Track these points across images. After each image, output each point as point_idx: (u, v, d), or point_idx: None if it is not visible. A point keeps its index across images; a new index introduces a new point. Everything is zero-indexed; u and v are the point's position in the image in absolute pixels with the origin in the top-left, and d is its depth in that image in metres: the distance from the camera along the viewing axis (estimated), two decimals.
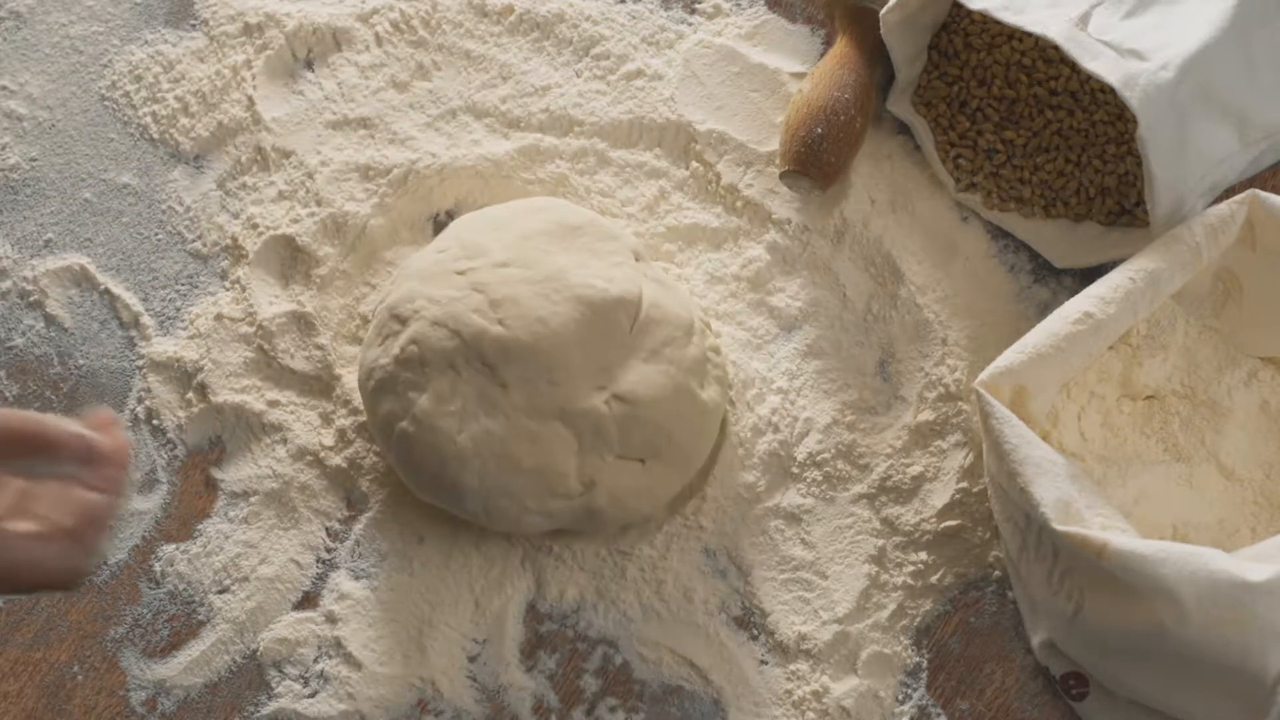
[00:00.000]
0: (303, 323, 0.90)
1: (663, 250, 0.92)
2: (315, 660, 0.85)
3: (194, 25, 0.96)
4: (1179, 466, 0.86)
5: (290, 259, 0.92)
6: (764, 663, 0.85)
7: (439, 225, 0.93)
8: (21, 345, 0.91)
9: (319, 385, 0.90)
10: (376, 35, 0.96)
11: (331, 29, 0.96)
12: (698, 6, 0.97)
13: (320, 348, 0.90)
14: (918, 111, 0.93)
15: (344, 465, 0.88)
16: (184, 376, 0.90)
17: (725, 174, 0.93)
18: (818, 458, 0.88)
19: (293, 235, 0.91)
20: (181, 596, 0.86)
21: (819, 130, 0.89)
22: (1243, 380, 0.87)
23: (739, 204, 0.93)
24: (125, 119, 0.95)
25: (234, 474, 0.88)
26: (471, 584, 0.86)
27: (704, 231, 0.93)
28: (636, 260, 0.87)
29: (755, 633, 0.85)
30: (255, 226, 0.92)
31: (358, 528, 0.87)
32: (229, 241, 0.92)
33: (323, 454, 0.88)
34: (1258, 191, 0.84)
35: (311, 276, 0.91)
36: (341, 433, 0.88)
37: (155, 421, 0.89)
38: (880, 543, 0.86)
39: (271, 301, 0.91)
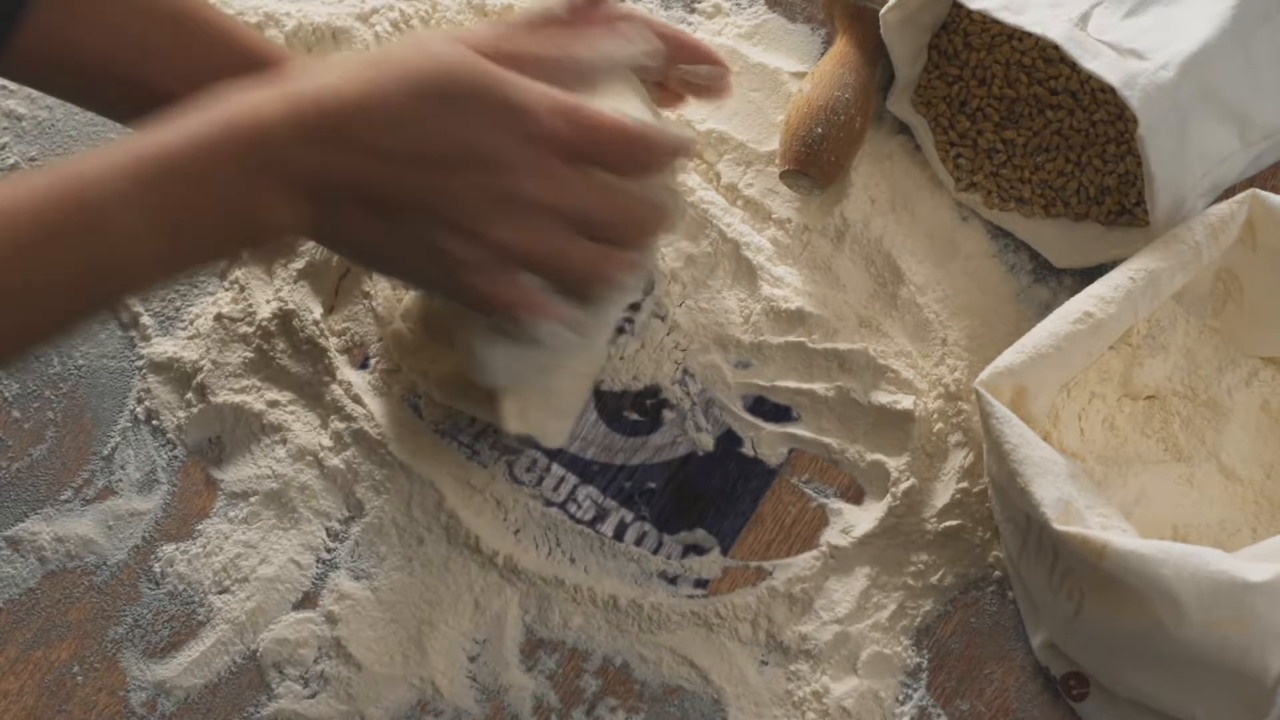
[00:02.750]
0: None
1: None
2: (315, 661, 0.85)
3: None
4: (1179, 466, 0.86)
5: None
6: (764, 663, 0.85)
7: None
8: None
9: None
10: (376, 35, 0.96)
11: (331, 29, 0.95)
12: (697, 6, 0.97)
13: (319, 346, 0.90)
14: (918, 111, 0.93)
15: (343, 466, 0.88)
16: (184, 377, 0.90)
17: (725, 173, 0.93)
18: None
19: None
20: (181, 597, 0.86)
21: (819, 130, 0.89)
22: (1243, 380, 0.87)
23: (739, 203, 0.93)
24: None
25: (234, 474, 0.88)
26: (471, 584, 0.86)
27: None
28: None
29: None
30: None
31: (357, 529, 0.87)
32: None
33: (322, 454, 0.88)
34: (1258, 191, 0.84)
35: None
36: (338, 435, 0.88)
37: (155, 422, 0.89)
38: (880, 542, 0.86)
39: (270, 301, 0.90)
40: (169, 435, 0.89)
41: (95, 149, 0.69)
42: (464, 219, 0.72)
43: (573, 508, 0.88)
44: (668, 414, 0.89)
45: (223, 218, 0.70)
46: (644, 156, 0.75)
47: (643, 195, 0.76)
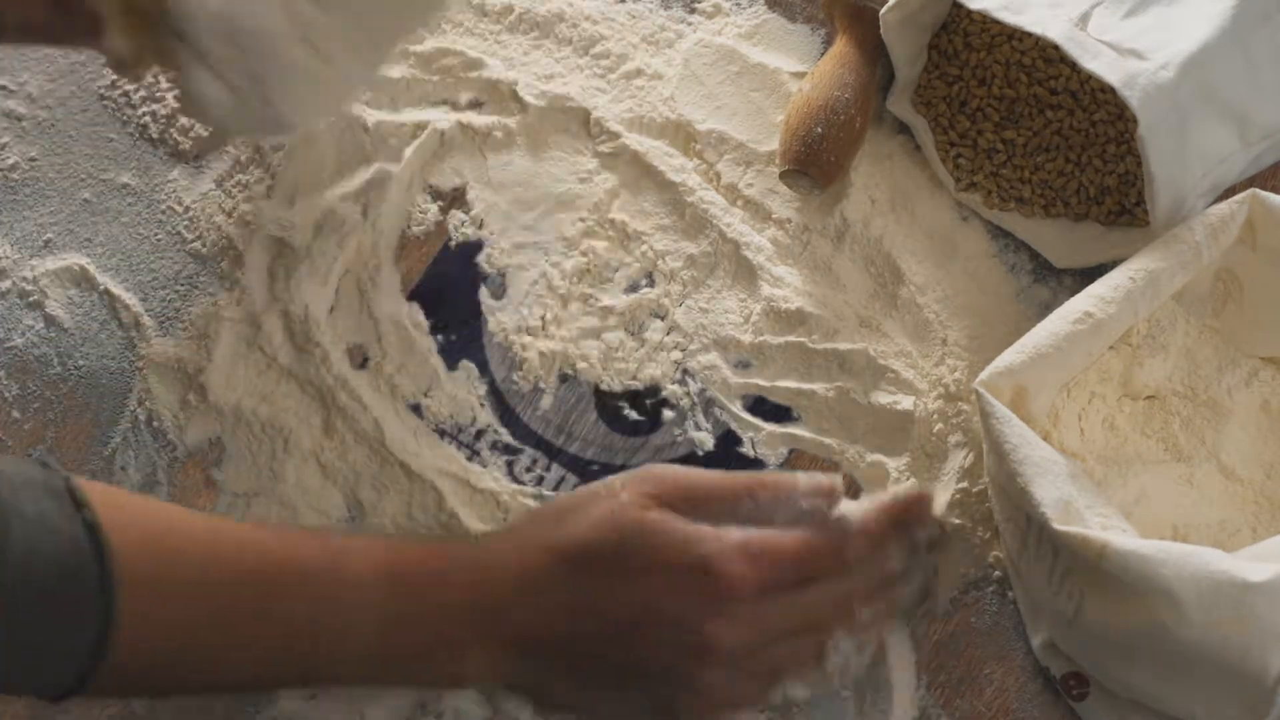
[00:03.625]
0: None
1: None
2: None
3: None
4: (1179, 466, 0.86)
5: (280, 254, 0.91)
6: None
7: None
8: (21, 345, 0.91)
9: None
10: None
11: None
12: (697, 6, 0.97)
13: (319, 346, 0.90)
14: (918, 111, 0.93)
15: (343, 466, 0.88)
16: (184, 377, 0.90)
17: (725, 173, 0.93)
18: None
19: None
20: None
21: (819, 129, 0.89)
22: (1243, 380, 0.87)
23: (739, 203, 0.93)
24: (124, 118, 0.95)
25: (234, 474, 0.88)
26: None
27: None
28: None
29: None
30: (248, 224, 0.92)
31: (357, 529, 0.87)
32: (225, 241, 0.92)
33: (323, 454, 0.88)
34: (1258, 191, 0.84)
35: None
36: (339, 435, 0.88)
37: (155, 422, 0.89)
38: None
39: (270, 301, 0.90)
40: (169, 436, 0.89)
41: (357, 539, 0.77)
42: (666, 680, 0.75)
43: None
44: (668, 414, 0.89)
45: (435, 654, 0.76)
46: (827, 562, 0.77)
47: (827, 596, 0.77)
